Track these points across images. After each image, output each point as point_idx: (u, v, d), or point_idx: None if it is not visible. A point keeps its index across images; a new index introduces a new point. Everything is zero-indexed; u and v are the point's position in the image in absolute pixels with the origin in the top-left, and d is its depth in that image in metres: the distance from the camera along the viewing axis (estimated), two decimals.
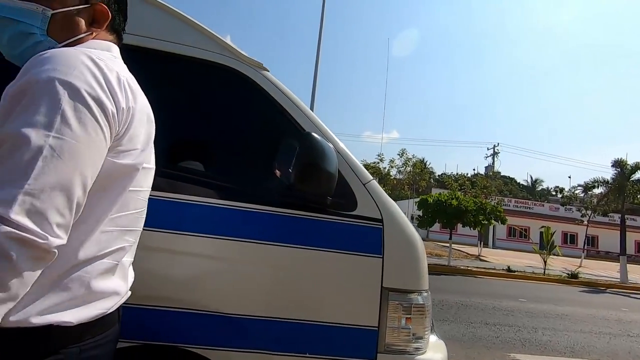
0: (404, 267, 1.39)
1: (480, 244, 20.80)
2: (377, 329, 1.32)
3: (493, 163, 38.53)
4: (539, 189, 57.75)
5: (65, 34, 0.80)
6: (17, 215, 0.56)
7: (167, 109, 1.48)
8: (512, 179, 61.14)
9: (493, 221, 14.65)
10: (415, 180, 24.50)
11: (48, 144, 0.61)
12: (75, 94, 0.65)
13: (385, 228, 1.38)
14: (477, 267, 13.34)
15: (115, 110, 0.71)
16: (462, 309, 6.53)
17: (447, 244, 14.10)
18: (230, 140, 1.46)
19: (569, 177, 57.71)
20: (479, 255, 18.01)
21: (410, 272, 1.40)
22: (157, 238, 1.19)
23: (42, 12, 0.77)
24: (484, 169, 40.95)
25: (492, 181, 24.07)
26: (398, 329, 1.34)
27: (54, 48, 0.74)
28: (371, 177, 1.47)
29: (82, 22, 0.82)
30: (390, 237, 1.38)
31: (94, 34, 0.84)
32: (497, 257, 18.44)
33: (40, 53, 0.69)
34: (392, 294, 1.35)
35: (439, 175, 46.15)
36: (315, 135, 1.28)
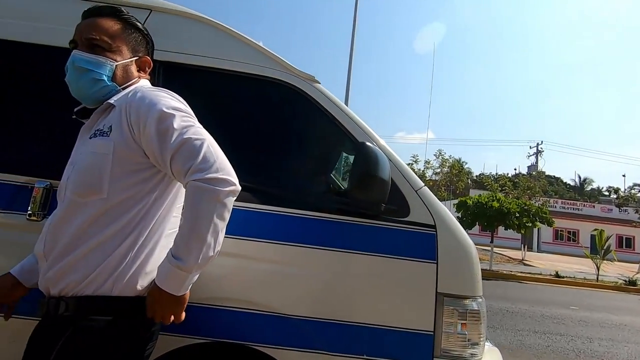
0: (458, 273, 1.40)
1: (524, 247, 19.79)
2: (432, 333, 1.34)
3: (536, 162, 36.58)
4: (588, 189, 54.01)
5: (124, 79, 1.08)
6: (221, 174, 0.94)
7: (228, 124, 1.59)
8: (558, 178, 57.68)
9: (538, 223, 13.90)
10: (452, 182, 23.77)
11: (205, 138, 0.98)
12: (184, 110, 1.03)
13: (439, 234, 1.40)
14: (521, 272, 12.72)
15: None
16: (507, 315, 6.28)
17: (488, 247, 13.56)
18: (287, 152, 1.55)
19: (624, 175, 53.09)
20: (522, 259, 17.17)
21: (465, 277, 1.41)
22: (229, 244, 1.29)
23: (110, 64, 1.04)
24: (527, 168, 38.95)
25: (536, 181, 22.82)
26: (454, 334, 1.35)
27: (115, 90, 1.05)
28: (423, 184, 1.49)
29: (134, 70, 1.11)
30: (444, 243, 1.40)
31: (141, 78, 1.13)
32: (543, 262, 17.47)
33: (138, 95, 1.01)
34: (447, 300, 1.36)
35: (476, 176, 44.49)
36: (369, 144, 1.34)
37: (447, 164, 23.11)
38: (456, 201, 14.52)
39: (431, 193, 1.49)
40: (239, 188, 0.98)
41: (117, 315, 0.94)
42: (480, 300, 1.42)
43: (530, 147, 38.37)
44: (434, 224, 1.41)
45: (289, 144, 1.54)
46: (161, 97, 1.01)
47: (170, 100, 1.02)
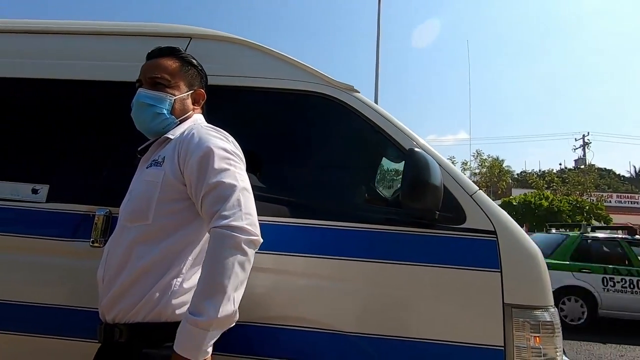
0: (525, 282, 1.30)
1: None
2: (503, 348, 1.24)
3: (584, 155, 34.19)
4: None
5: (181, 112, 1.15)
6: (247, 226, 0.93)
7: (272, 140, 1.60)
8: (610, 170, 53.50)
9: (593, 221, 12.92)
10: (492, 182, 22.75)
11: (239, 184, 0.99)
12: (231, 152, 1.05)
13: (500, 240, 1.31)
14: None
15: (244, 159, 1.10)
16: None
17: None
18: (333, 164, 1.53)
19: None
20: None
21: (533, 286, 1.30)
22: (281, 261, 1.29)
23: (169, 99, 1.12)
24: (574, 162, 36.47)
25: (586, 176, 21.27)
26: (527, 349, 1.24)
27: (174, 123, 1.13)
28: (477, 188, 1.41)
29: (190, 102, 1.19)
30: (507, 250, 1.30)
31: (196, 110, 1.20)
32: None
33: (193, 133, 1.06)
34: (515, 311, 1.26)
35: (518, 174, 42.24)
36: (418, 150, 1.29)
37: (486, 164, 22.19)
38: (499, 202, 13.85)
39: (487, 197, 1.40)
40: (261, 240, 0.97)
41: (167, 341, 0.94)
42: (552, 310, 1.30)
43: (576, 140, 35.88)
44: (493, 229, 1.32)
45: (334, 156, 1.52)
46: (212, 135, 1.06)
47: (219, 140, 1.05)
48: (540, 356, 1.25)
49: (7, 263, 1.40)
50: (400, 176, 1.37)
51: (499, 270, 1.28)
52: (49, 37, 1.71)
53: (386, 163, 1.54)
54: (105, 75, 1.59)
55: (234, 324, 0.93)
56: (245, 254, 0.92)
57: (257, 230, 0.96)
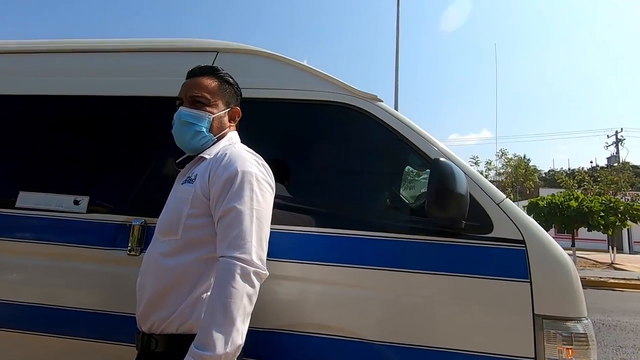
0: (556, 292, 1.28)
1: (613, 249, 17.57)
2: None
3: (617, 152, 32.58)
4: None
5: (218, 130, 1.19)
6: (255, 259, 0.96)
7: (298, 151, 1.64)
8: None
9: (629, 222, 12.30)
10: (518, 181, 22.04)
11: (254, 214, 1.00)
12: (257, 179, 1.06)
13: (529, 249, 1.29)
14: (613, 278, 11.25)
15: (273, 185, 1.12)
16: (603, 329, 5.56)
17: (569, 251, 12.25)
18: (358, 173, 1.55)
19: None
20: (612, 263, 15.21)
21: (565, 297, 1.28)
22: (311, 270, 1.32)
23: (208, 117, 1.16)
24: (606, 160, 34.82)
25: (620, 174, 20.27)
26: None
27: (211, 140, 1.16)
28: (504, 196, 1.39)
29: (227, 120, 1.22)
30: (536, 259, 1.29)
31: (231, 127, 1.24)
32: (638, 265, 15.31)
33: (226, 154, 1.09)
34: (546, 322, 1.24)
35: (545, 173, 40.71)
36: (443, 159, 1.29)
37: (512, 163, 21.53)
38: (526, 202, 13.40)
39: (515, 205, 1.38)
40: (267, 274, 0.98)
41: None
42: (586, 321, 1.27)
43: (608, 137, 34.24)
44: (522, 238, 1.31)
45: (358, 166, 1.55)
46: (244, 158, 1.08)
47: (249, 164, 1.07)
48: None
49: (50, 269, 1.50)
50: (425, 185, 1.37)
51: (529, 280, 1.26)
52: (86, 55, 1.81)
53: (410, 172, 1.55)
54: (140, 90, 1.67)
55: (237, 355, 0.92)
56: (253, 286, 0.93)
57: (264, 264, 0.98)
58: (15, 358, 1.46)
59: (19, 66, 1.82)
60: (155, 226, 1.42)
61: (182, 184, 1.13)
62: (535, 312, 1.24)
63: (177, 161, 1.23)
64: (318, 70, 1.63)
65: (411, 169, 1.55)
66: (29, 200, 1.57)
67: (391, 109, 1.53)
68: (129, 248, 1.43)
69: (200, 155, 1.15)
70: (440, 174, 1.24)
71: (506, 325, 1.26)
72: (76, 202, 1.54)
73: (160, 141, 1.56)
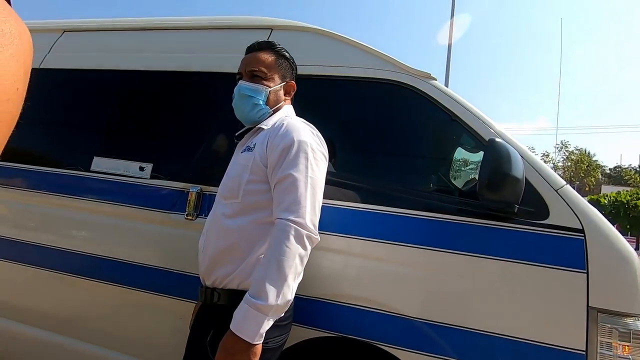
0: (616, 286, 1.20)
1: None
2: (584, 353, 1.17)
3: None
4: None
5: (274, 103, 1.24)
6: (309, 223, 1.01)
7: (350, 128, 1.66)
8: None
9: None
10: (578, 177, 20.35)
11: (309, 181, 1.05)
12: (313, 148, 1.10)
13: (588, 239, 1.22)
14: None
15: (327, 155, 1.17)
16: None
17: None
18: (409, 152, 1.54)
19: None
20: None
21: (625, 291, 1.20)
22: (356, 244, 1.35)
23: (265, 90, 1.21)
24: None
25: None
26: (613, 357, 1.16)
27: (268, 113, 1.22)
28: (564, 182, 1.32)
29: (282, 94, 1.26)
30: (596, 250, 1.21)
31: (287, 101, 1.27)
32: None
33: (283, 124, 1.14)
34: (602, 316, 1.17)
35: (611, 169, 36.99)
36: (499, 140, 1.24)
37: (573, 157, 19.88)
38: (586, 199, 12.37)
39: (576, 193, 1.30)
40: (318, 239, 1.03)
41: None
42: None
43: None
44: (581, 227, 1.23)
45: (410, 144, 1.53)
46: (299, 128, 1.13)
47: (304, 133, 1.12)
48: None
49: (115, 227, 1.66)
50: (476, 170, 1.33)
51: (585, 271, 1.20)
52: (154, 32, 1.94)
53: (462, 152, 1.50)
54: (198, 66, 1.77)
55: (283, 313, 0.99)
56: (305, 248, 0.99)
57: (316, 229, 1.03)
58: (80, 302, 1.66)
59: (99, 43, 2.00)
60: (210, 194, 1.53)
61: (242, 152, 1.20)
62: (590, 304, 1.18)
63: (236, 134, 1.30)
64: (372, 47, 1.61)
65: (464, 150, 1.50)
66: (101, 165, 1.74)
67: (445, 87, 1.49)
68: (186, 213, 1.55)
69: (259, 126, 1.21)
70: (496, 155, 1.20)
71: (556, 314, 1.21)
72: (141, 169, 1.68)
73: (217, 115, 1.65)
